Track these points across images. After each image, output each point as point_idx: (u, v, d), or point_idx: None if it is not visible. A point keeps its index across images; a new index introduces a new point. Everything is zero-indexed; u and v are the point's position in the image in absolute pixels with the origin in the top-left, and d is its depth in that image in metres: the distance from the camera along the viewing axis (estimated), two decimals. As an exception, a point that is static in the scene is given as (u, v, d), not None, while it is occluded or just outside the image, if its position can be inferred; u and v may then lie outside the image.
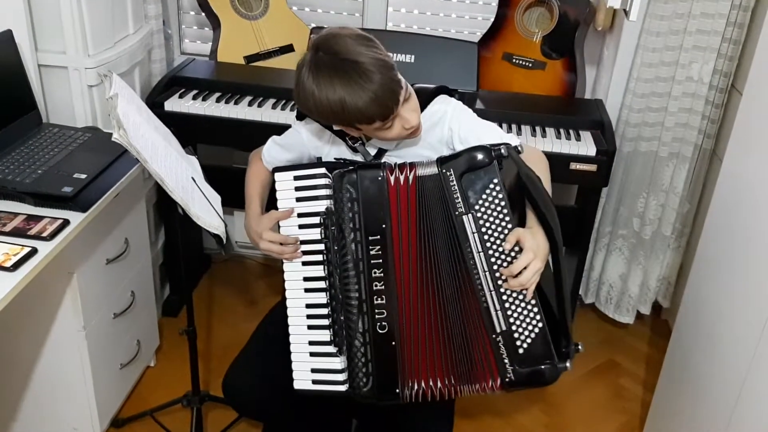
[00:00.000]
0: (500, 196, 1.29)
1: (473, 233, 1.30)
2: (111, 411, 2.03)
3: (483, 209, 1.29)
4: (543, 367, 1.33)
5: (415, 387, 1.38)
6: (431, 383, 1.38)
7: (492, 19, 2.40)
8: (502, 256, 1.30)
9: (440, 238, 1.32)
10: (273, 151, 1.59)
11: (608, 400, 2.33)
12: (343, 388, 1.40)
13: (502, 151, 1.29)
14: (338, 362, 1.40)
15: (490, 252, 1.30)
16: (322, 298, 1.41)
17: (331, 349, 1.40)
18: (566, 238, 2.38)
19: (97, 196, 1.65)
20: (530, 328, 1.32)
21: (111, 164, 1.77)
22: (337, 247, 1.37)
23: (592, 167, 2.11)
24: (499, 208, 1.29)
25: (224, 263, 2.91)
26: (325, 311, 1.40)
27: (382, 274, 1.34)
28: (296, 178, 1.40)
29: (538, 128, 2.19)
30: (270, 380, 1.51)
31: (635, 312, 2.57)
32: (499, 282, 1.30)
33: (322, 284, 1.41)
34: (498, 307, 1.31)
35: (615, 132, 2.24)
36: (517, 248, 1.29)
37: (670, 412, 1.89)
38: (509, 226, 1.29)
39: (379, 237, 1.33)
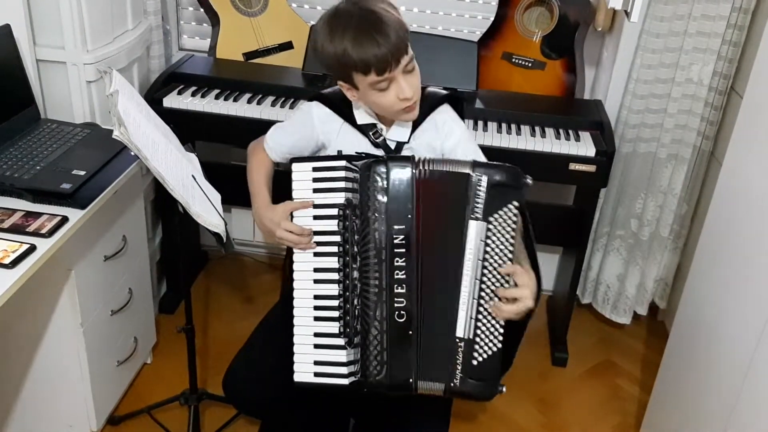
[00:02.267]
0: (515, 219, 1.32)
1: (481, 241, 1.33)
2: (107, 408, 2.03)
3: (497, 224, 1.33)
4: (485, 383, 1.36)
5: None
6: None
7: (492, 19, 2.40)
8: (496, 274, 1.34)
9: (449, 237, 1.34)
10: (276, 136, 1.58)
11: (605, 400, 2.34)
12: (345, 381, 1.39)
13: (528, 180, 1.33)
14: (343, 355, 1.39)
15: (486, 264, 1.33)
16: (332, 289, 1.40)
17: (338, 341, 1.39)
18: (564, 238, 2.46)
19: (96, 192, 1.65)
20: (490, 345, 1.35)
21: (110, 161, 1.76)
22: (359, 237, 1.37)
23: (591, 168, 2.11)
24: (509, 229, 1.33)
25: (221, 260, 2.90)
26: (334, 303, 1.40)
27: (404, 263, 1.35)
28: (315, 169, 1.39)
29: (537, 128, 2.19)
30: (271, 378, 1.50)
31: (632, 313, 2.57)
32: (482, 294, 1.34)
33: (334, 276, 1.40)
34: (472, 315, 1.34)
35: (614, 133, 2.24)
36: (508, 277, 1.33)
37: (667, 412, 1.89)
38: (512, 249, 1.33)
39: (404, 227, 1.34)
